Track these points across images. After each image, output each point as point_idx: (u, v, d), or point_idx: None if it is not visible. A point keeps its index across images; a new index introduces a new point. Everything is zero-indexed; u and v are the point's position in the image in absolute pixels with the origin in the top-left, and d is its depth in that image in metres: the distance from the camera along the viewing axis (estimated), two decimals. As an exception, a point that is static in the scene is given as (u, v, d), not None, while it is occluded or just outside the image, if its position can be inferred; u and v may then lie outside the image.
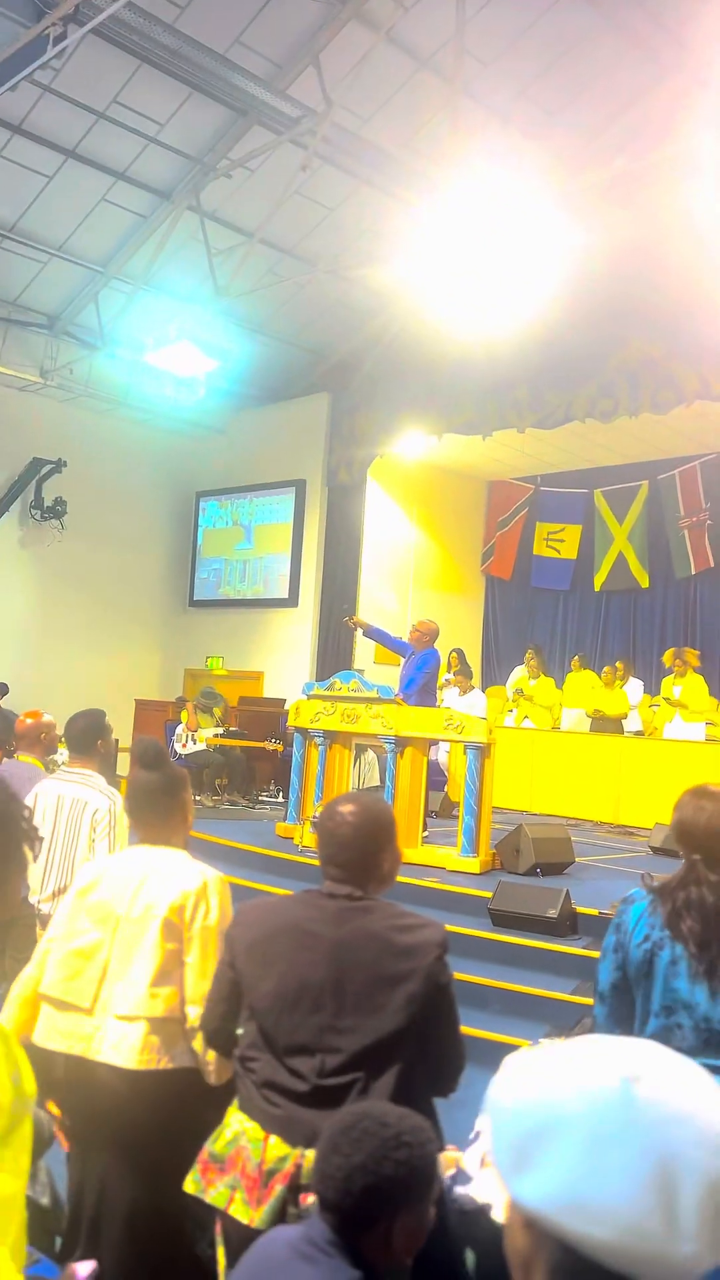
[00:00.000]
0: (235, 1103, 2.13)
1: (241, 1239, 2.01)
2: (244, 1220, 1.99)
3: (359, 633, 8.15)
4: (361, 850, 2.18)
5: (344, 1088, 1.99)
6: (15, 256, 11.25)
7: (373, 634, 8.49)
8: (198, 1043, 2.41)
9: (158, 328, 10.59)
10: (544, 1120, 0.86)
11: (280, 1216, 1.95)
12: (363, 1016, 2.02)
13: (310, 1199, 1.92)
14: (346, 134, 9.22)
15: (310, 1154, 1.94)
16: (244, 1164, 2.02)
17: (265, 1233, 1.92)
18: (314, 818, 7.20)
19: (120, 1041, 2.41)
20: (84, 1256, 1.94)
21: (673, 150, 8.27)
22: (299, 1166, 1.97)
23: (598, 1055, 0.89)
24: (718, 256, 8.89)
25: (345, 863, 2.17)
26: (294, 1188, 1.97)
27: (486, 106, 9.38)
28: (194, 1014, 2.41)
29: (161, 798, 2.66)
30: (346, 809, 2.21)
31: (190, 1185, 2.10)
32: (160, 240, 10.94)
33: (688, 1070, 0.88)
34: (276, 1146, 2.00)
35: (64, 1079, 2.48)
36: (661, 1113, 0.84)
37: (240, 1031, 2.20)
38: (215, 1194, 2.05)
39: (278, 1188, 1.96)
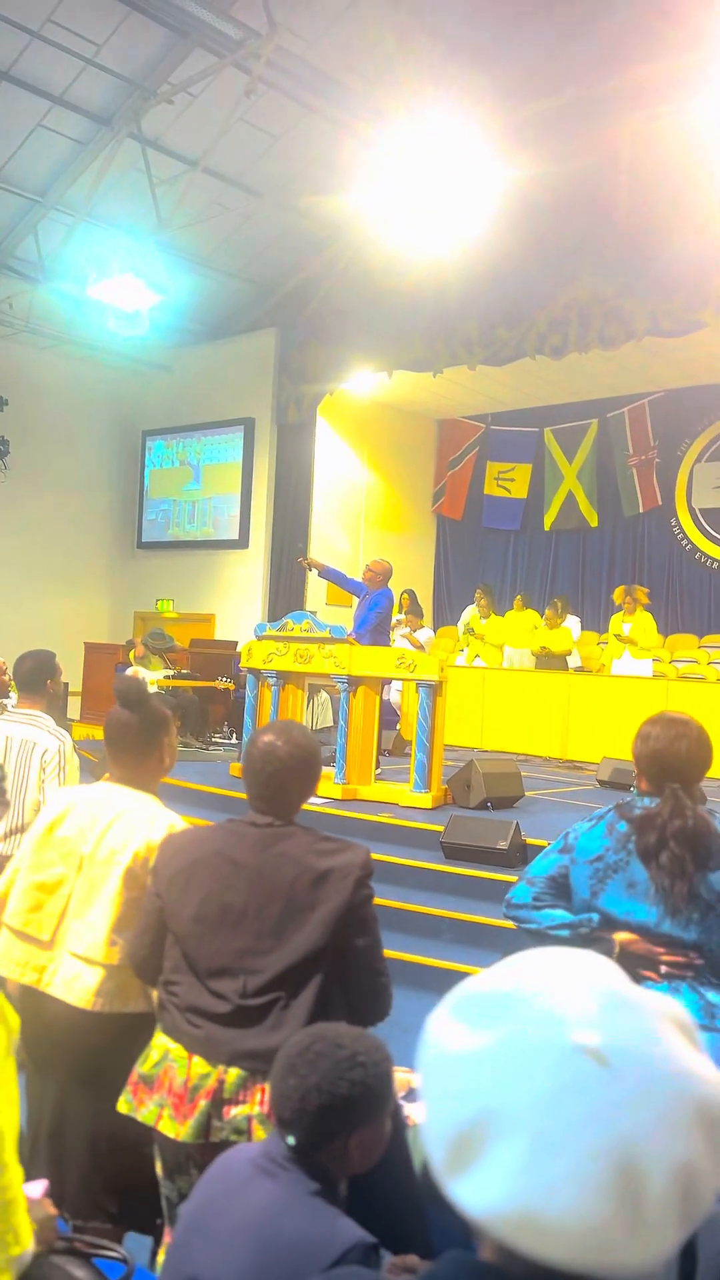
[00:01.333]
0: (159, 1027, 2.20)
1: (173, 1153, 2.13)
2: (171, 1135, 2.07)
3: (312, 573, 8.09)
4: (284, 781, 2.23)
5: (264, 1008, 2.06)
6: (-52, 184, 10.84)
7: (327, 574, 8.47)
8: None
9: (100, 260, 10.29)
10: (483, 1111, 0.74)
11: (205, 1130, 2.04)
12: (282, 938, 2.08)
13: (233, 1111, 2.02)
14: (292, 58, 8.95)
15: (232, 1071, 2.04)
16: (170, 1083, 2.10)
17: (195, 1145, 2.02)
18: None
19: (74, 980, 2.43)
20: (43, 1177, 1.98)
21: (620, 82, 8.16)
22: (221, 1083, 2.05)
23: (550, 1005, 0.76)
24: (668, 191, 8.85)
25: (268, 794, 2.23)
26: (217, 1102, 2.05)
27: (432, 31, 9.13)
28: None
29: (139, 739, 2.61)
30: (270, 739, 2.26)
31: (123, 1105, 2.19)
32: (100, 169, 10.59)
33: (655, 1019, 0.77)
34: (199, 1065, 2.08)
35: (18, 1005, 2.51)
36: (621, 1093, 0.72)
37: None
38: (145, 1112, 2.13)
39: (201, 1103, 2.04)
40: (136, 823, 2.51)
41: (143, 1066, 2.18)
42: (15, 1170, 1.42)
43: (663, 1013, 0.78)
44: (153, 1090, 2.13)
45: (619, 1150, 0.70)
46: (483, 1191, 0.72)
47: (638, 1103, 0.72)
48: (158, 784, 2.68)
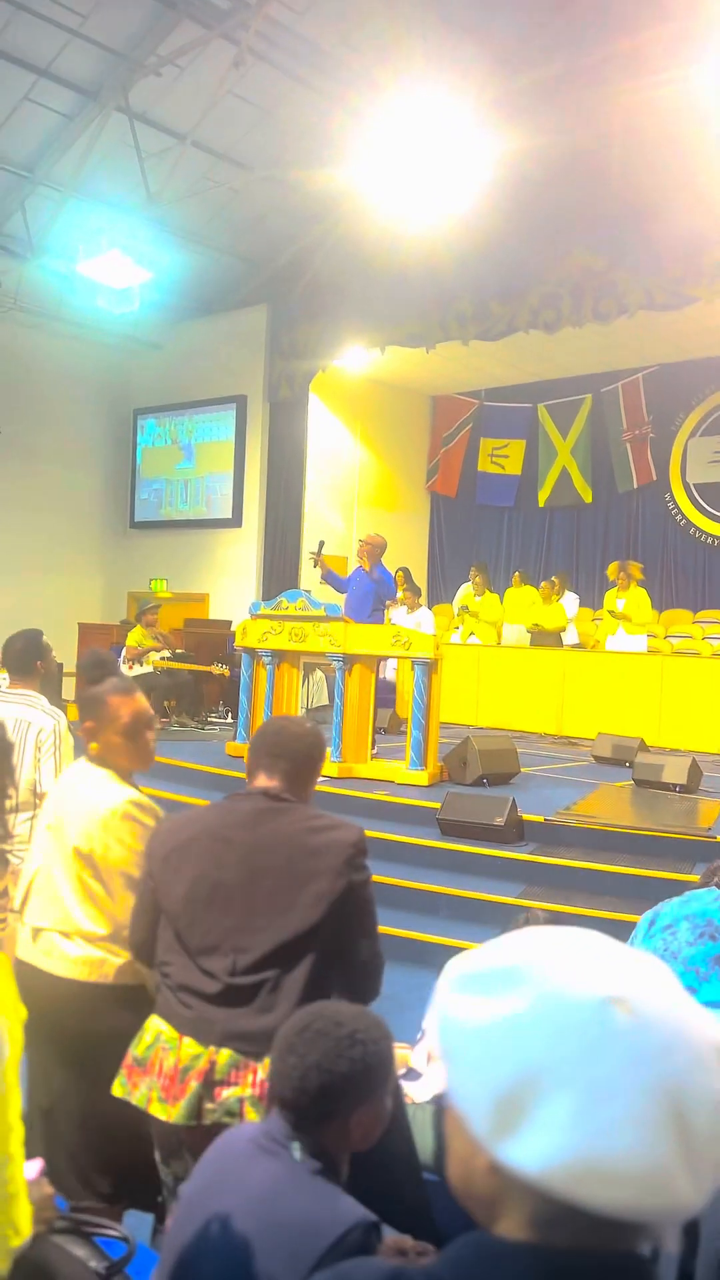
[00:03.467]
0: (154, 1010, 2.19)
1: (166, 1137, 2.12)
2: (163, 1117, 2.06)
3: (314, 565, 8.02)
4: (299, 751, 2.25)
5: (254, 986, 2.04)
6: (-66, 160, 10.69)
7: (327, 577, 8.36)
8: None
9: (89, 236, 10.18)
10: (526, 1069, 0.75)
11: (197, 1113, 2.02)
12: (273, 916, 2.07)
13: (225, 1093, 2.01)
14: (281, 29, 8.83)
15: (224, 1052, 2.03)
16: (160, 1065, 2.09)
17: (184, 1126, 2.01)
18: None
19: (51, 949, 2.45)
20: (37, 1154, 1.97)
21: (613, 50, 8.05)
22: (212, 1064, 2.04)
23: (563, 969, 0.79)
24: (662, 162, 8.76)
25: (285, 756, 2.24)
26: (208, 1084, 2.03)
27: (424, 1, 9.01)
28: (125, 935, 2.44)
29: (90, 711, 2.60)
30: (291, 720, 2.30)
31: (118, 1089, 2.17)
32: (88, 143, 10.45)
33: (657, 974, 0.80)
34: (190, 1046, 2.06)
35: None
36: (655, 1039, 0.75)
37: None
38: (138, 1095, 2.12)
39: (192, 1084, 2.03)
40: (84, 800, 2.52)
41: (136, 1049, 2.17)
42: (19, 1162, 1.41)
43: (659, 966, 0.82)
44: (145, 1073, 2.12)
45: (667, 1089, 0.73)
46: (538, 1147, 0.73)
47: (672, 1046, 0.74)
48: (124, 760, 2.58)
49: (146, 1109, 2.10)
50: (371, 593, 7.78)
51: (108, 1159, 2.41)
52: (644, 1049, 0.74)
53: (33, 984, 2.40)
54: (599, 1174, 0.71)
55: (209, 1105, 2.02)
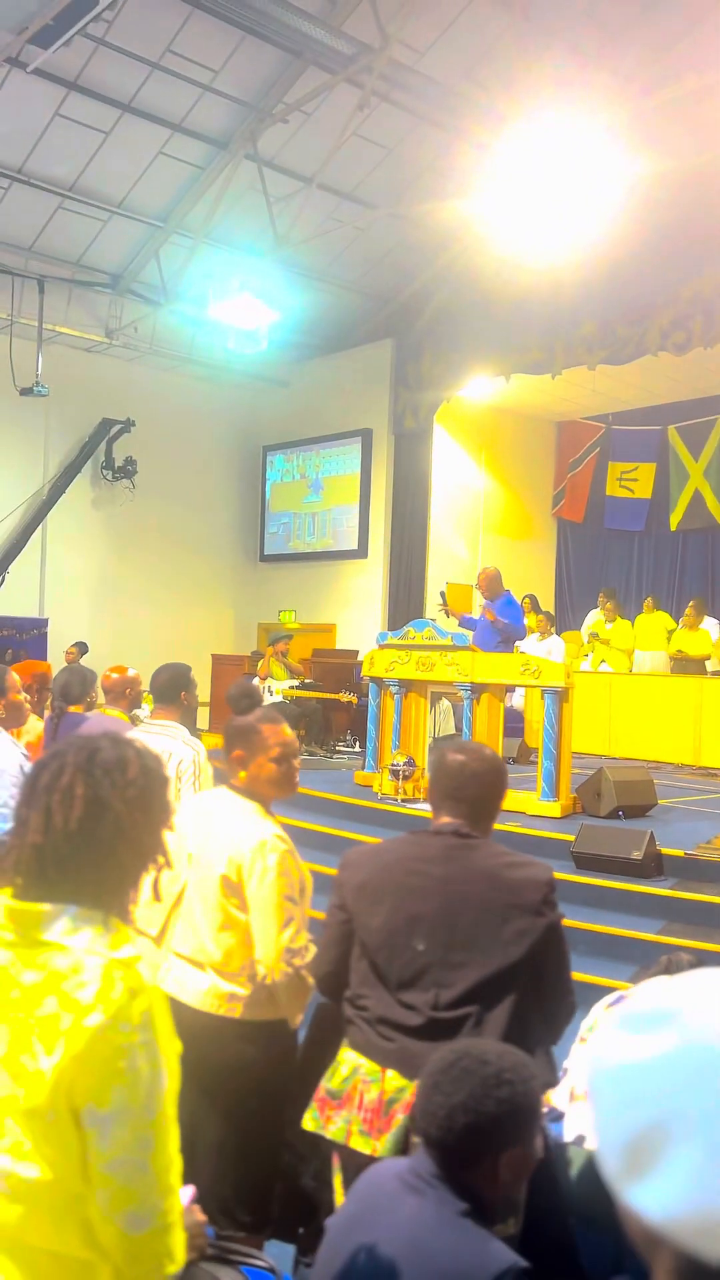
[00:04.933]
0: (346, 1042, 2.17)
1: (361, 1170, 2.07)
2: (366, 1151, 2.02)
3: (447, 616, 8.04)
4: (482, 791, 2.20)
5: (458, 1021, 2.00)
6: (76, 216, 11.26)
7: (464, 622, 8.39)
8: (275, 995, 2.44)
9: (219, 281, 10.53)
10: (657, 1117, 0.75)
11: (404, 1145, 1.98)
12: (475, 950, 2.03)
13: None
14: (404, 69, 8.97)
15: None
16: (361, 1097, 2.06)
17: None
18: (392, 765, 7.24)
19: (185, 982, 2.47)
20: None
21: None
22: None
23: (714, 1015, 0.78)
24: None
25: (467, 799, 2.19)
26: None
27: (549, 31, 9.03)
28: (262, 971, 2.43)
29: (241, 743, 2.64)
30: (470, 751, 2.25)
31: (309, 1123, 2.15)
32: (219, 191, 10.84)
33: None
34: (394, 1079, 2.03)
35: None
36: None
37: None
38: (334, 1129, 2.10)
39: (399, 1117, 2.00)
40: (231, 830, 2.53)
41: (330, 1082, 2.14)
42: (177, 1193, 1.45)
43: None
44: (341, 1106, 2.09)
45: None
46: (662, 1196, 0.73)
47: None
48: (268, 790, 2.63)
49: (346, 1142, 2.07)
50: (491, 626, 7.75)
51: (247, 1190, 2.43)
52: None
53: (176, 1018, 2.44)
54: (713, 1226, 0.70)
55: (416, 1139, 2.00)
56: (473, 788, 2.19)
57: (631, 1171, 0.75)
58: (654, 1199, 0.73)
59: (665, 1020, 0.78)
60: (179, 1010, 2.44)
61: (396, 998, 2.07)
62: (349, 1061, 2.12)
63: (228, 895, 2.48)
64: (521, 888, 2.07)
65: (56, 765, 1.49)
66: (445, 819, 2.20)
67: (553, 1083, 2.16)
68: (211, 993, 2.43)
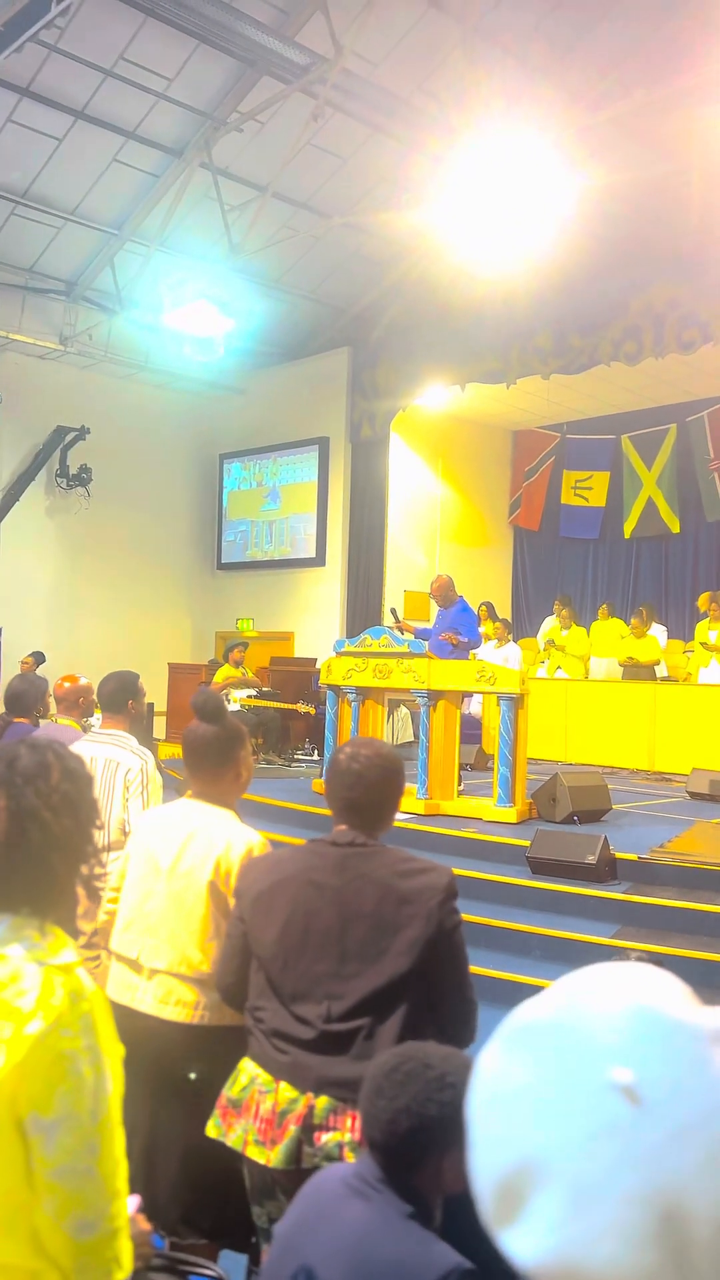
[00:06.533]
0: (248, 1052, 2.18)
1: (261, 1178, 2.11)
2: (260, 1160, 2.04)
3: (401, 632, 8.03)
4: (371, 795, 2.19)
5: (350, 1034, 2.02)
6: (29, 223, 11.18)
7: (418, 633, 8.40)
8: None
9: (174, 288, 10.51)
10: (523, 1157, 0.69)
11: (296, 1156, 2.00)
12: (366, 963, 2.04)
13: (324, 1138, 1.99)
14: (358, 80, 9.03)
15: (321, 1098, 2.01)
16: (257, 1107, 2.07)
17: (283, 1170, 1.99)
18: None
19: (168, 996, 2.44)
20: (135, 1192, 2.00)
21: (691, 79, 8.02)
22: (310, 1109, 2.02)
23: (589, 1033, 0.71)
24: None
25: (358, 805, 2.19)
26: (307, 1128, 2.01)
27: (500, 45, 9.13)
28: None
29: (216, 753, 2.62)
30: (351, 752, 2.23)
31: (212, 1129, 2.17)
32: (173, 199, 10.82)
33: (695, 1032, 0.70)
34: (286, 1090, 2.05)
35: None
36: (656, 1133, 0.66)
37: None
38: (234, 1137, 2.11)
39: (291, 1128, 2.01)
40: (215, 837, 2.51)
41: (231, 1091, 2.16)
42: (124, 1198, 1.44)
43: (713, 1035, 0.70)
44: (240, 1115, 2.11)
45: (659, 1195, 0.65)
46: (529, 1244, 0.68)
47: (676, 1143, 0.66)
48: (235, 799, 2.68)
49: (243, 1151, 2.09)
50: (461, 621, 7.79)
51: (209, 1194, 2.42)
52: (640, 1146, 0.66)
53: (141, 1028, 2.41)
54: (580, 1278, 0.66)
55: (308, 1149, 2.00)
56: (361, 792, 2.18)
57: (502, 1217, 0.70)
58: (521, 1247, 0.68)
59: (542, 1038, 0.73)
60: (152, 1024, 2.42)
61: (290, 1010, 2.07)
62: (248, 1071, 2.14)
63: (213, 902, 2.45)
64: (415, 896, 2.07)
65: None
66: (341, 826, 2.20)
67: None
68: (195, 1003, 2.41)
